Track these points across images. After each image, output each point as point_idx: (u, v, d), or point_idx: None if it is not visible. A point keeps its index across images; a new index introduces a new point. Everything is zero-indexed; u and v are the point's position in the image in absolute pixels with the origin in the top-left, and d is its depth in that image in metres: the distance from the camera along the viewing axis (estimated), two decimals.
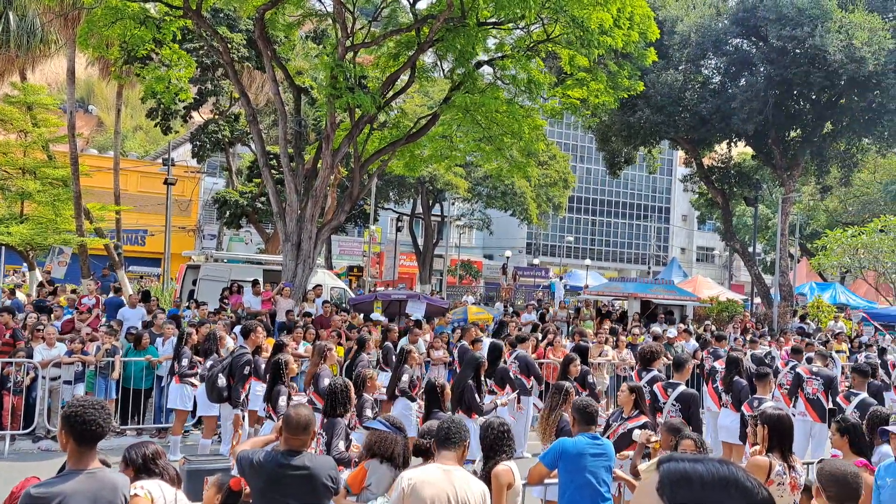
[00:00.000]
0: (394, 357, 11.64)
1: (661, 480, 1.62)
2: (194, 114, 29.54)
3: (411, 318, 16.60)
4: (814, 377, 10.67)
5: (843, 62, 23.81)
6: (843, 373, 13.95)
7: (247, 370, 9.36)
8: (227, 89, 29.00)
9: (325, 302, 17.69)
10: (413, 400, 9.57)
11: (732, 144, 31.53)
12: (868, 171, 42.93)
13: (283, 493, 4.52)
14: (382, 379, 10.96)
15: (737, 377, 9.86)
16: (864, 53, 23.64)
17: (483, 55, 18.83)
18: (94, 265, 24.77)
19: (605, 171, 37.07)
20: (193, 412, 11.04)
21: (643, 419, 6.94)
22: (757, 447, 5.49)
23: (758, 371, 9.71)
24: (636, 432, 6.51)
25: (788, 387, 10.86)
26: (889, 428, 5.10)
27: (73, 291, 18.95)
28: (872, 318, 28.11)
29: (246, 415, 9.55)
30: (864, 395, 9.27)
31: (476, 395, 8.80)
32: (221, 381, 9.44)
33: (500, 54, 18.77)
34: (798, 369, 11.10)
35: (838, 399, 9.93)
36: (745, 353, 14.23)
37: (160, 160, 37.40)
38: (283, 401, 8.20)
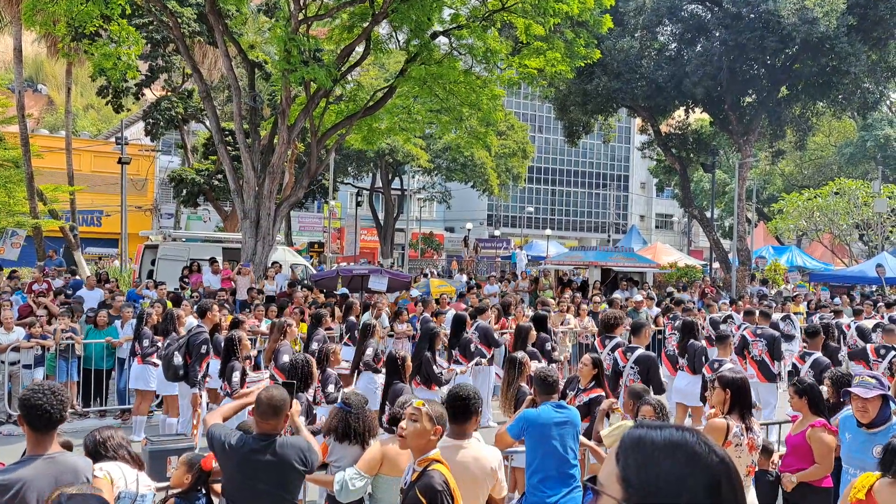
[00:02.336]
0: (356, 331, 11.62)
1: (619, 446, 1.64)
2: (146, 91, 28.91)
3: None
4: (758, 339, 10.90)
5: (796, 24, 24.05)
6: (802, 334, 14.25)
7: (204, 349, 9.27)
8: (178, 65, 28.41)
9: (290, 284, 17.52)
10: (378, 372, 9.58)
11: (689, 111, 31.79)
12: (823, 134, 43.70)
13: (254, 478, 4.42)
14: (346, 354, 10.94)
15: (692, 340, 10.02)
16: (817, 14, 23.89)
17: (438, 26, 18.66)
18: (50, 247, 24.29)
19: (564, 141, 37.11)
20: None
21: (598, 392, 6.98)
22: (713, 409, 5.59)
23: (718, 334, 9.92)
24: (605, 403, 6.58)
25: (737, 344, 11.10)
26: (852, 389, 5.20)
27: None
28: (828, 281, 28.74)
29: (204, 393, 9.48)
30: (817, 354, 9.48)
31: (433, 367, 8.83)
32: (177, 359, 9.34)
33: (455, 25, 18.62)
34: (744, 332, 11.33)
35: (793, 359, 10.16)
36: (705, 318, 14.54)
37: (113, 139, 36.58)
38: (236, 376, 8.17)
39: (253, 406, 4.66)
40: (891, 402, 5.17)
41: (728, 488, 1.55)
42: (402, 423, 4.33)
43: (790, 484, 5.62)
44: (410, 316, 14.45)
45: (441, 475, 3.88)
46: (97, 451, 4.39)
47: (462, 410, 4.57)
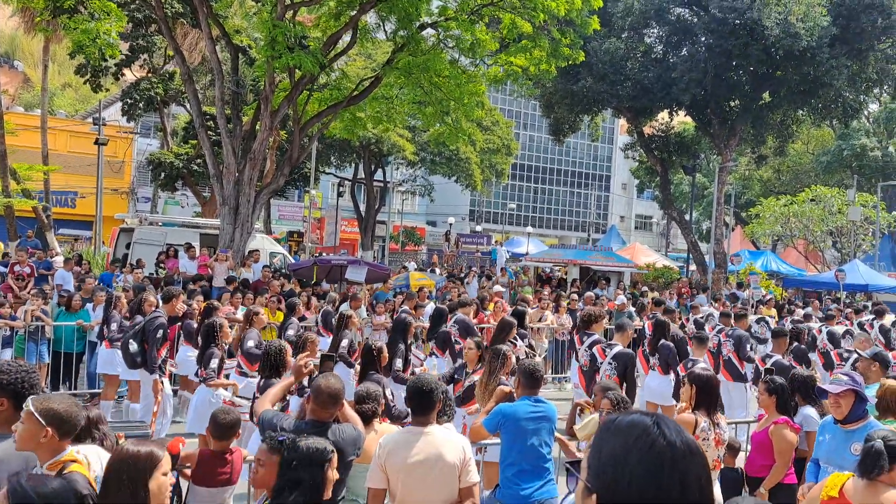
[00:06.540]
0: (333, 321, 11.54)
1: (596, 431, 1.72)
2: (126, 71, 28.51)
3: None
4: (728, 339, 11.02)
5: (780, 36, 24.25)
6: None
7: (160, 334, 9.09)
8: (159, 45, 28.06)
9: (264, 267, 17.44)
10: (351, 366, 9.50)
11: (673, 114, 31.96)
12: (801, 142, 44.15)
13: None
14: (322, 344, 10.86)
15: (663, 340, 10.06)
16: (799, 29, 24.10)
17: (426, 18, 18.58)
18: (22, 227, 23.94)
19: (548, 139, 37.23)
20: None
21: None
22: (683, 405, 5.66)
23: (697, 335, 9.98)
24: (577, 400, 6.60)
25: (714, 349, 11.18)
26: (825, 387, 5.28)
27: (5, 255, 18.36)
28: (802, 286, 29.09)
29: (166, 380, 9.32)
30: (777, 356, 9.58)
31: (397, 360, 8.74)
32: (133, 346, 9.17)
33: (443, 17, 18.55)
34: (718, 334, 11.45)
35: (756, 360, 10.28)
36: (688, 320, 14.66)
37: (91, 119, 36.08)
38: (214, 363, 8.07)
39: (311, 394, 4.60)
40: (864, 400, 5.26)
41: (671, 472, 1.55)
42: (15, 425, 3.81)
43: (763, 497, 5.70)
44: (392, 309, 14.40)
45: (83, 477, 3.52)
46: (89, 428, 4.29)
47: (424, 402, 4.55)
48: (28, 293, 13.35)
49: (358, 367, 7.85)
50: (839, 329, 13.86)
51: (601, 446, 1.63)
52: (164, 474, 3.26)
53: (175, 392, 10.78)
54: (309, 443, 3.65)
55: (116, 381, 10.71)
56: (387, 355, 7.16)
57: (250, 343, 8.75)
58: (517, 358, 8.18)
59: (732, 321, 11.95)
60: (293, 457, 3.61)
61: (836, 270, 26.08)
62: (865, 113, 40.53)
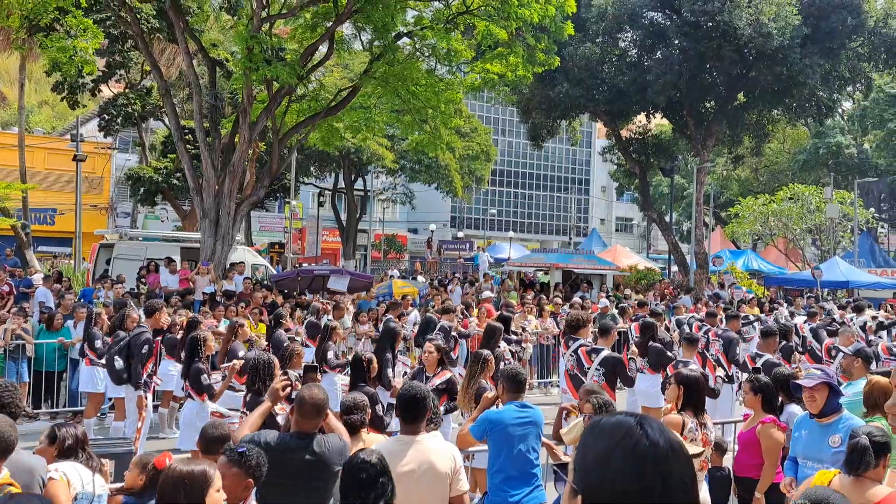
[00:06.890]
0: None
1: (582, 434, 1.71)
2: (103, 87, 28.34)
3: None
4: (717, 339, 11.08)
5: (752, 36, 24.48)
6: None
7: (145, 349, 9.03)
8: (136, 61, 27.92)
9: (246, 278, 17.38)
10: (344, 370, 9.50)
11: (650, 116, 32.15)
12: (777, 141, 44.56)
13: (291, 477, 4.31)
14: (306, 355, 10.83)
15: (652, 342, 10.11)
16: (771, 29, 24.35)
17: (402, 28, 18.63)
18: (0, 246, 23.71)
19: (526, 144, 37.31)
20: None
21: (447, 374, 7.33)
22: (669, 406, 5.69)
23: (688, 336, 10.04)
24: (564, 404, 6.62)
25: (702, 349, 11.25)
26: (799, 381, 5.33)
27: None
28: (783, 284, 29.35)
29: (150, 395, 9.24)
30: (768, 355, 9.64)
31: (389, 370, 8.73)
32: (118, 363, 9.09)
33: (419, 27, 18.60)
34: (707, 333, 11.52)
35: (745, 359, 10.35)
36: (670, 321, 14.75)
37: (68, 136, 35.77)
38: (205, 380, 8.01)
39: (294, 405, 4.55)
40: (838, 393, 5.32)
41: (654, 472, 1.55)
42: None
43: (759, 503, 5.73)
44: (375, 318, 14.39)
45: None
46: (76, 447, 4.26)
47: (415, 410, 4.52)
48: (8, 312, 13.21)
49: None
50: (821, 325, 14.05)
51: (586, 448, 1.64)
52: (218, 490, 3.29)
53: (155, 408, 10.70)
54: (373, 454, 3.63)
55: (99, 399, 10.60)
56: (377, 366, 7.15)
57: (240, 354, 8.74)
58: (506, 363, 8.24)
59: (723, 322, 12.02)
60: (374, 475, 3.56)
61: (813, 268, 26.35)
62: (840, 111, 41.01)
